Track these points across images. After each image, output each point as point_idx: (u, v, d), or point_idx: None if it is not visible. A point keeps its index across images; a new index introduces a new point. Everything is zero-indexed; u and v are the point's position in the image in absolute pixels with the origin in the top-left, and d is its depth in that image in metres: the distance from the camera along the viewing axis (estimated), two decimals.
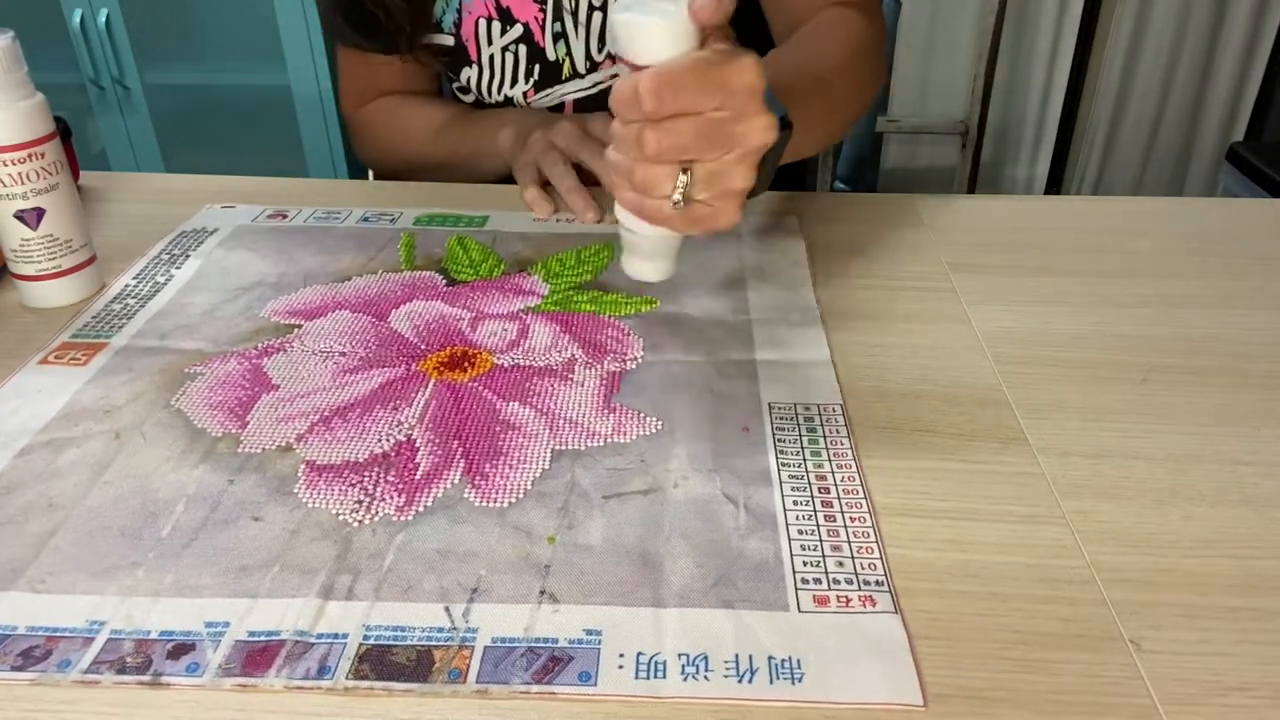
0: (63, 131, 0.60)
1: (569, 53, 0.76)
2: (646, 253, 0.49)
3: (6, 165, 0.52)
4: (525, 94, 0.79)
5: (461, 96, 0.83)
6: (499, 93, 0.80)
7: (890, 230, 0.68)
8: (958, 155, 1.74)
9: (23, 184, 0.53)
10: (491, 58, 0.78)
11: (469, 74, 0.79)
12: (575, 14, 0.75)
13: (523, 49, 0.77)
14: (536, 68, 0.78)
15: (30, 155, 0.53)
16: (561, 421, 0.47)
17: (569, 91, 0.79)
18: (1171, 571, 0.39)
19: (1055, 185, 1.96)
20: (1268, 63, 1.80)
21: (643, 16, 0.42)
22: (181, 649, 0.35)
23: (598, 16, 0.75)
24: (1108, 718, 0.33)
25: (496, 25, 0.76)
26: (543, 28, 0.75)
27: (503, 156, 0.74)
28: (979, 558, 0.39)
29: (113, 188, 0.74)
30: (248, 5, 1.71)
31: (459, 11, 0.77)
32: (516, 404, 0.48)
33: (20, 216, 0.54)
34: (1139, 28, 1.79)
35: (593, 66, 0.77)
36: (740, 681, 0.33)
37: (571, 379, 0.50)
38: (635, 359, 0.52)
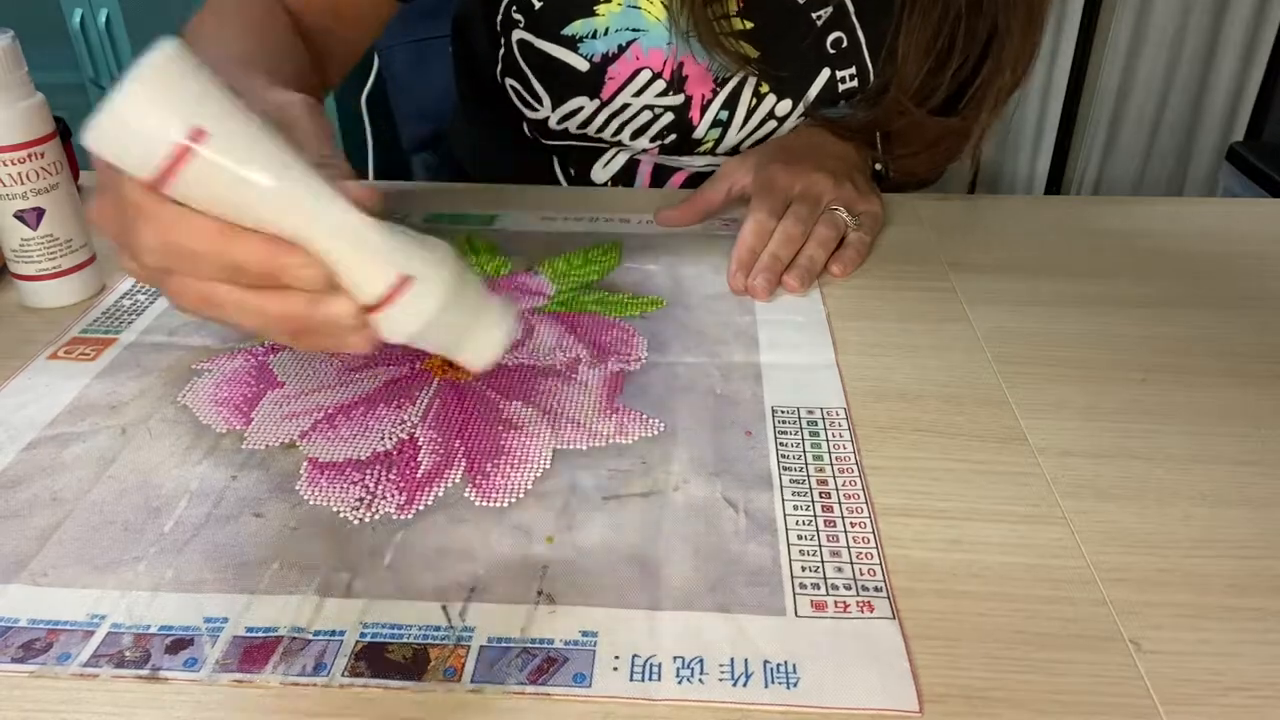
0: (63, 131, 0.60)
1: (720, 140, 0.73)
2: (450, 344, 0.37)
3: (6, 165, 0.52)
4: (647, 150, 0.74)
5: (529, 112, 0.74)
6: (614, 134, 0.73)
7: (890, 230, 0.68)
8: None
9: (23, 184, 0.53)
10: (626, 105, 0.71)
11: (581, 104, 0.71)
12: (751, 114, 0.71)
13: (669, 115, 0.71)
14: (674, 136, 0.73)
15: (30, 155, 0.52)
16: (564, 421, 0.47)
17: (696, 165, 0.75)
18: (1171, 571, 0.39)
19: (1055, 185, 1.94)
20: (1268, 63, 1.78)
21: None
22: (180, 644, 0.35)
23: (770, 124, 0.72)
24: (1108, 718, 0.33)
25: (660, 84, 0.69)
26: (704, 109, 0.71)
27: None
28: (980, 558, 0.39)
29: None
30: None
31: (619, 48, 0.68)
32: (519, 403, 0.48)
33: (20, 216, 0.54)
34: (1139, 28, 1.78)
35: (734, 153, 0.74)
36: (735, 685, 0.33)
37: (575, 379, 0.50)
38: (639, 360, 0.52)
